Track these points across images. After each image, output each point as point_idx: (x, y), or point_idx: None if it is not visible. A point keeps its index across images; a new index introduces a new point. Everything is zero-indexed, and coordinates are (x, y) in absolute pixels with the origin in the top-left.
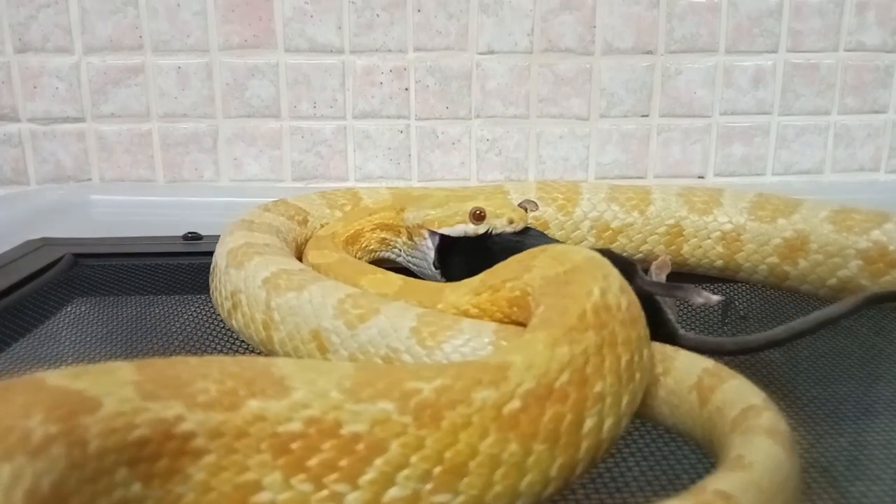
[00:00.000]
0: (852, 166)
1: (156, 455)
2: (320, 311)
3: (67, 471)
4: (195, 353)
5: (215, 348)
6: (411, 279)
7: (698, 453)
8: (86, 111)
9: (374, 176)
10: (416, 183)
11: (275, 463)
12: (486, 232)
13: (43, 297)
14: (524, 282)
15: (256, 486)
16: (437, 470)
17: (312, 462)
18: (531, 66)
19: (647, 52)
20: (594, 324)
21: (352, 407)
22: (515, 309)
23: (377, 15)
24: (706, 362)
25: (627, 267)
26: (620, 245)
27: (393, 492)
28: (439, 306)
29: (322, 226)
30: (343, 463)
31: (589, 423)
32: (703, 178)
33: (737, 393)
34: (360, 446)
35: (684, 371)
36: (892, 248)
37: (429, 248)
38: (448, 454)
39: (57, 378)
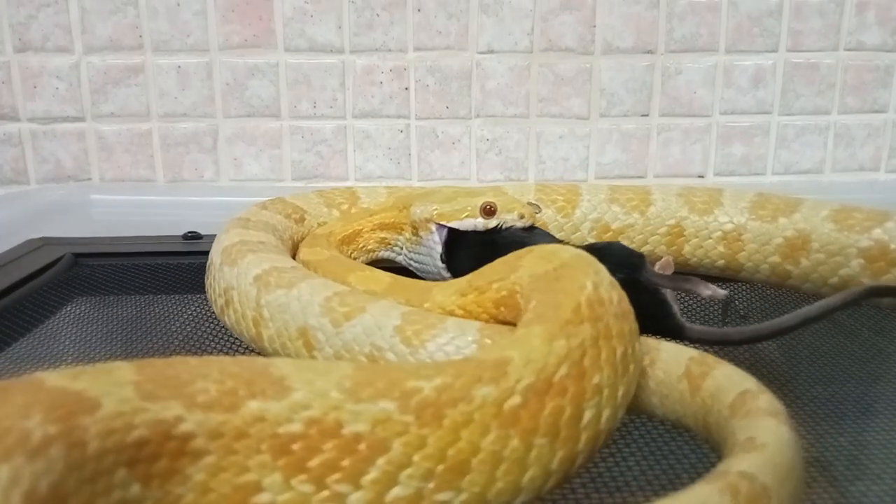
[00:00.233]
0: (852, 166)
1: (155, 456)
2: (307, 308)
3: (66, 471)
4: (195, 353)
5: (215, 348)
6: (400, 277)
7: (698, 452)
8: (86, 111)
9: (374, 176)
10: (416, 183)
11: (275, 464)
12: (496, 227)
13: (43, 296)
14: (511, 282)
15: (256, 487)
16: (440, 468)
17: (313, 463)
18: (531, 65)
19: (647, 52)
20: (589, 316)
21: (352, 407)
22: (503, 309)
23: (377, 15)
24: (691, 352)
25: (635, 259)
26: None
27: (395, 491)
28: (426, 305)
29: (319, 224)
30: (345, 463)
31: (588, 416)
32: (703, 177)
33: (729, 379)
34: (362, 446)
35: (671, 361)
36: (893, 246)
37: (436, 242)
38: (450, 452)
39: (56, 378)
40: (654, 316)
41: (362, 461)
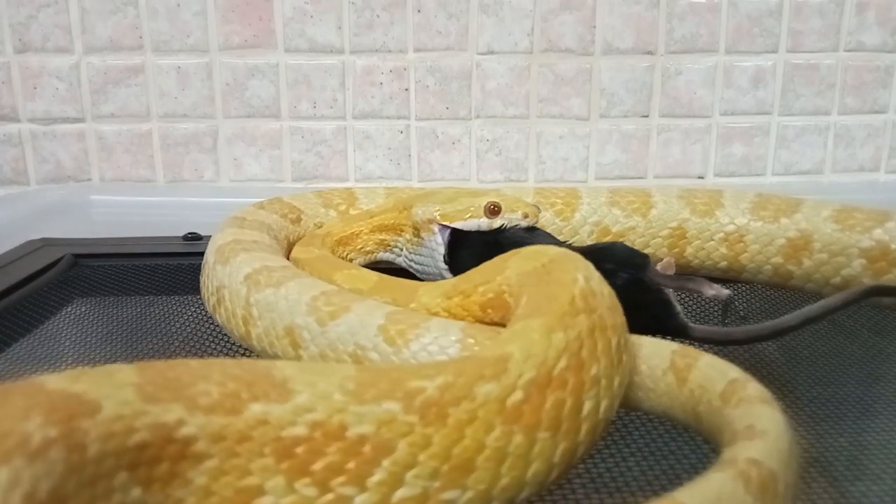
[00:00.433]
0: (852, 166)
1: (156, 459)
2: (294, 307)
3: (66, 474)
4: (195, 354)
5: (215, 348)
6: (386, 276)
7: (698, 452)
8: (86, 111)
9: (374, 176)
10: (416, 183)
11: (278, 467)
12: (500, 227)
13: (43, 297)
14: (497, 283)
15: (259, 491)
16: (446, 467)
17: (317, 466)
18: (531, 66)
19: (647, 52)
20: (584, 308)
21: (357, 409)
22: (489, 311)
23: (377, 15)
24: (672, 345)
25: (639, 259)
26: None
27: (402, 492)
28: (412, 305)
29: (315, 225)
30: (350, 465)
31: (587, 407)
32: (702, 178)
33: (714, 369)
34: (367, 448)
35: (654, 356)
36: (893, 246)
37: (438, 243)
38: (455, 450)
39: (56, 381)
40: (657, 316)
41: (367, 463)
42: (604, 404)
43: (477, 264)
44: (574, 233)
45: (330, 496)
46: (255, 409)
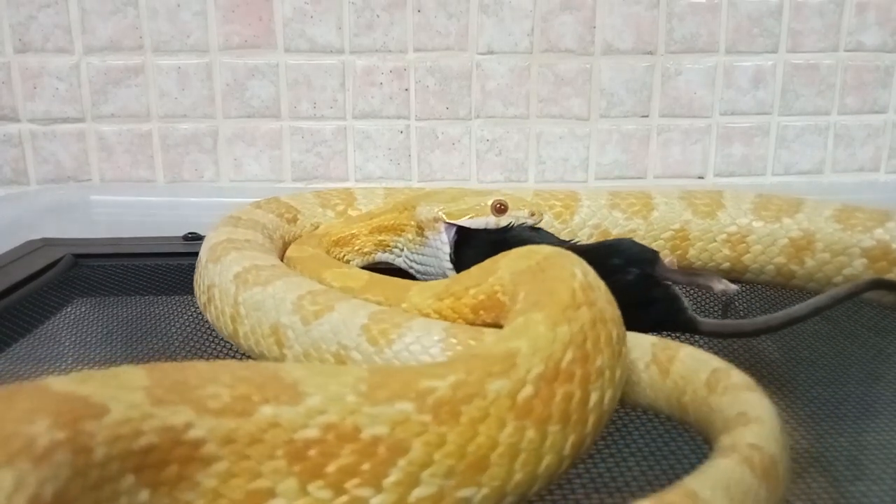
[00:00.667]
0: (852, 166)
1: (164, 462)
2: (280, 306)
3: (71, 478)
4: (195, 354)
5: (215, 348)
6: (377, 275)
7: (698, 452)
8: (86, 111)
9: (374, 176)
10: (416, 183)
11: (290, 469)
12: (508, 225)
13: (43, 297)
14: (489, 284)
15: (270, 493)
16: (461, 465)
17: (331, 468)
18: (531, 66)
19: (647, 53)
20: (585, 301)
21: (370, 410)
22: (482, 313)
23: (377, 15)
24: (651, 338)
25: (649, 255)
26: None
27: (418, 491)
28: (403, 305)
29: (312, 225)
30: (365, 467)
31: (594, 398)
32: (702, 178)
33: (696, 359)
34: (382, 449)
35: (635, 349)
36: (894, 245)
37: (443, 242)
38: (470, 448)
39: (63, 383)
40: (667, 311)
41: (382, 464)
42: (608, 395)
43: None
44: (572, 236)
45: (345, 498)
46: (266, 411)
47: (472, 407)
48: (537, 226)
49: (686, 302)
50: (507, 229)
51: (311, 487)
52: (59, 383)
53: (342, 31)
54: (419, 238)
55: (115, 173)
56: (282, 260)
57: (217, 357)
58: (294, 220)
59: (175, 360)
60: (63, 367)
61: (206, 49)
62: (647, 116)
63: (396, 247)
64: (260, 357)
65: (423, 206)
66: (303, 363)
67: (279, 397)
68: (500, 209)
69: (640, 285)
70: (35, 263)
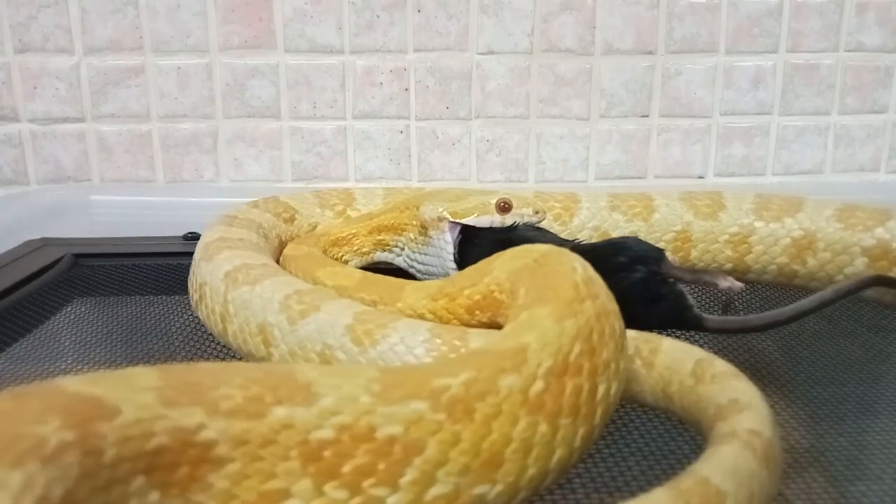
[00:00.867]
0: (852, 167)
1: (175, 463)
2: (268, 305)
3: (80, 479)
4: (195, 354)
5: (214, 348)
6: (371, 274)
7: (698, 452)
8: (86, 111)
9: (374, 176)
10: (416, 183)
11: (305, 470)
12: (513, 223)
13: (43, 297)
14: (485, 284)
15: (284, 494)
16: (476, 462)
17: (346, 468)
18: (531, 66)
19: (647, 53)
20: (588, 294)
21: (384, 410)
22: (477, 313)
23: (377, 15)
24: (631, 332)
25: (655, 253)
26: None
27: (434, 490)
28: (398, 305)
29: (310, 225)
30: (381, 467)
31: (601, 390)
32: (703, 178)
33: (678, 350)
34: (397, 448)
35: None
36: (895, 245)
37: (447, 241)
38: (484, 445)
39: (75, 383)
40: (673, 309)
41: (398, 463)
42: (614, 387)
43: None
44: (572, 237)
45: (361, 498)
46: (280, 412)
47: (486, 404)
48: (539, 225)
49: (692, 300)
50: (511, 228)
51: (326, 488)
52: (72, 383)
53: (342, 32)
54: (422, 237)
55: (115, 173)
56: (279, 259)
57: (216, 357)
58: (292, 220)
59: (175, 359)
60: (63, 367)
61: (206, 49)
62: (647, 116)
63: (397, 246)
64: (247, 356)
65: (427, 206)
66: (316, 365)
67: (293, 398)
68: (504, 208)
69: (648, 283)
70: (35, 263)
